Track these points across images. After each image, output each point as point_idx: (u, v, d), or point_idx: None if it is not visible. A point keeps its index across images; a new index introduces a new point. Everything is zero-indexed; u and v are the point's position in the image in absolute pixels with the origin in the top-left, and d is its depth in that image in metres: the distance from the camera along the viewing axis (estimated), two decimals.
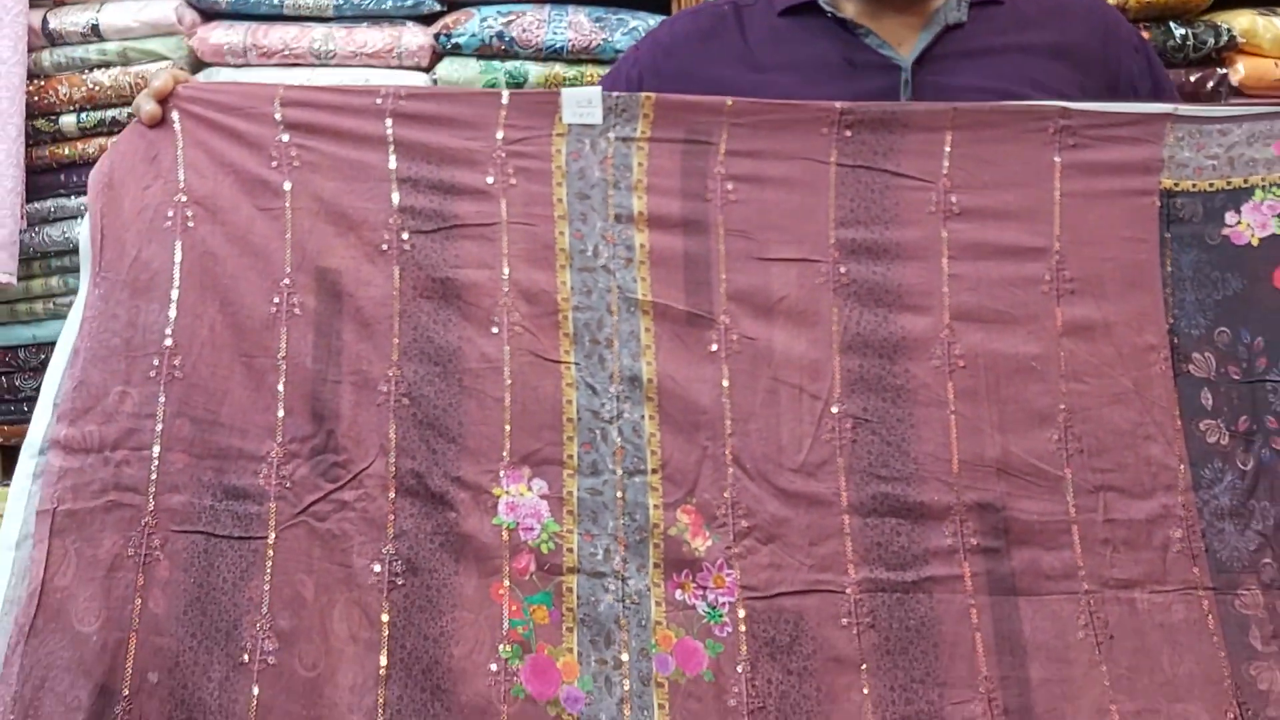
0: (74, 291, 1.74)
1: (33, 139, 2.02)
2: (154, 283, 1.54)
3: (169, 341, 1.52)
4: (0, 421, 2.09)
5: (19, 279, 1.94)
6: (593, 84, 2.09)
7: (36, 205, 2.04)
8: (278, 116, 1.56)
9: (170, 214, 1.54)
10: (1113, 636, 1.43)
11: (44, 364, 1.78)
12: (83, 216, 1.84)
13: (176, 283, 1.54)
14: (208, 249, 1.55)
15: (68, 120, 2.07)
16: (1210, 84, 2.24)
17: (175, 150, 1.56)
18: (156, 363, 1.50)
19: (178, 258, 1.54)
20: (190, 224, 1.54)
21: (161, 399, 1.50)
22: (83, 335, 1.50)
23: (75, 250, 1.89)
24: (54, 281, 2.08)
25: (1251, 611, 1.44)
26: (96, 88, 2.04)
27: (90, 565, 1.43)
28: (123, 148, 1.57)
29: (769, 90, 1.58)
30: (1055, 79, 1.64)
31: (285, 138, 1.55)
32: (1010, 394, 1.51)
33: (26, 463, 1.43)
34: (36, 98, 2.03)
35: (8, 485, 1.44)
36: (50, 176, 2.06)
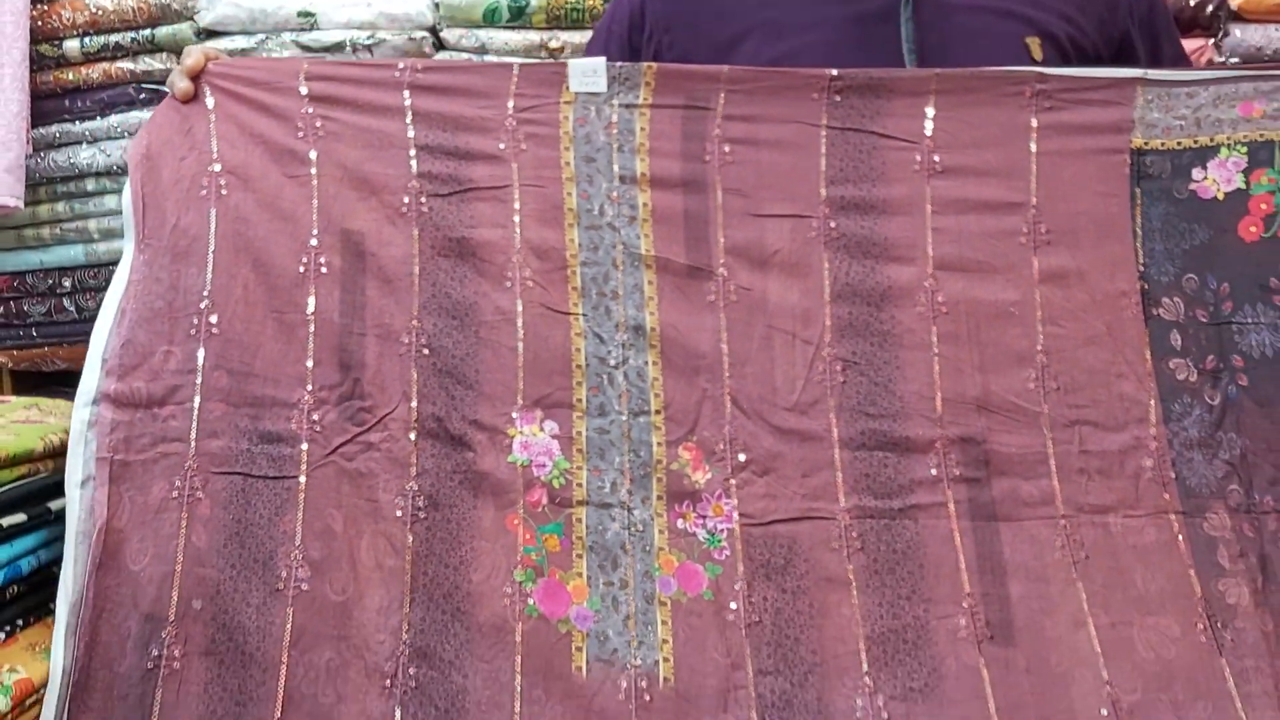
0: (80, 216, 1.94)
1: (37, 64, 2.00)
2: (192, 248, 1.72)
3: (206, 302, 1.70)
4: (10, 346, 2.10)
5: (25, 204, 1.95)
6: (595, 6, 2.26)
7: (41, 131, 2.04)
8: (303, 90, 1.75)
9: (205, 183, 1.72)
10: (1088, 557, 1.58)
11: (52, 289, 1.96)
12: (86, 143, 2.03)
13: (212, 247, 1.72)
14: (240, 215, 1.73)
15: (71, 45, 2.05)
16: (1210, 8, 2.37)
17: (208, 123, 1.75)
18: (196, 322, 1.68)
19: (213, 223, 1.72)
20: (224, 192, 1.72)
21: (201, 354, 1.68)
22: (128, 297, 1.68)
23: (80, 175, 2.03)
24: (60, 207, 2.08)
25: (1219, 533, 1.59)
26: (100, 12, 2.03)
27: (141, 510, 1.60)
28: (159, 121, 1.76)
29: (769, 9, 1.73)
30: None
31: (310, 109, 1.74)
32: (990, 337, 1.68)
33: (81, 411, 1.62)
34: (40, 22, 2.00)
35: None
36: (54, 102, 2.06)
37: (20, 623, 1.43)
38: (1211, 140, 1.72)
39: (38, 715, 1.37)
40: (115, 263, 1.84)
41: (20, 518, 1.42)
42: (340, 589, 1.57)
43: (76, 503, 1.52)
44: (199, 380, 1.65)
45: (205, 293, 1.68)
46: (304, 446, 1.65)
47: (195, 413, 1.64)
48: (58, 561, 1.53)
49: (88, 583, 1.50)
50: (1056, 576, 1.57)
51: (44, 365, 2.02)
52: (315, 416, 1.65)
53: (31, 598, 1.47)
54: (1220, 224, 1.70)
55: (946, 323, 1.67)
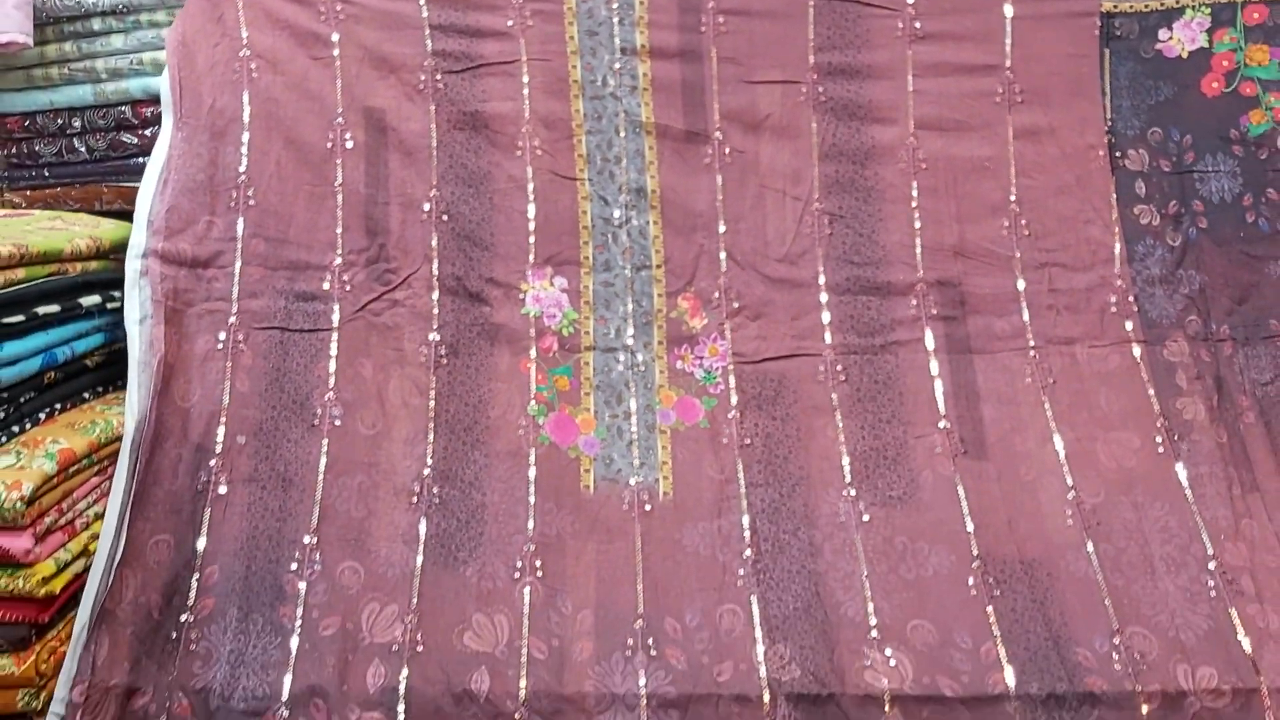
0: (87, 56, 2.09)
1: None
2: (229, 128, 2.00)
3: (243, 177, 1.97)
4: (24, 186, 2.14)
5: (33, 44, 2.00)
6: None
7: None
8: None
9: (237, 67, 2.00)
10: (1055, 382, 1.83)
11: (62, 129, 2.14)
12: None
13: (247, 126, 1.99)
14: (271, 95, 2.00)
15: None
16: None
17: (237, 11, 2.02)
18: (234, 195, 1.96)
19: (246, 105, 2.00)
20: (254, 75, 2.00)
21: (240, 224, 1.95)
22: (169, 168, 1.96)
23: (86, 15, 2.11)
24: (67, 47, 2.08)
25: (1178, 359, 1.84)
26: None
27: (189, 357, 1.87)
28: (191, 10, 2.03)
29: None
30: None
31: None
32: (967, 190, 1.94)
33: (133, 262, 1.88)
34: None
35: None
36: None
37: (59, 406, 1.65)
38: (1177, 2, 1.95)
39: (84, 480, 1.59)
40: (123, 103, 2.10)
41: (54, 308, 1.62)
42: (370, 424, 1.84)
43: (137, 337, 1.80)
44: (239, 247, 1.92)
45: (242, 169, 1.94)
46: (335, 304, 1.92)
47: (236, 276, 1.91)
48: (89, 354, 1.78)
49: (151, 405, 1.77)
50: (1026, 400, 1.81)
51: (57, 206, 2.16)
52: (345, 277, 1.92)
53: (67, 385, 1.69)
54: (1184, 80, 1.94)
55: (926, 178, 1.92)
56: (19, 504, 1.38)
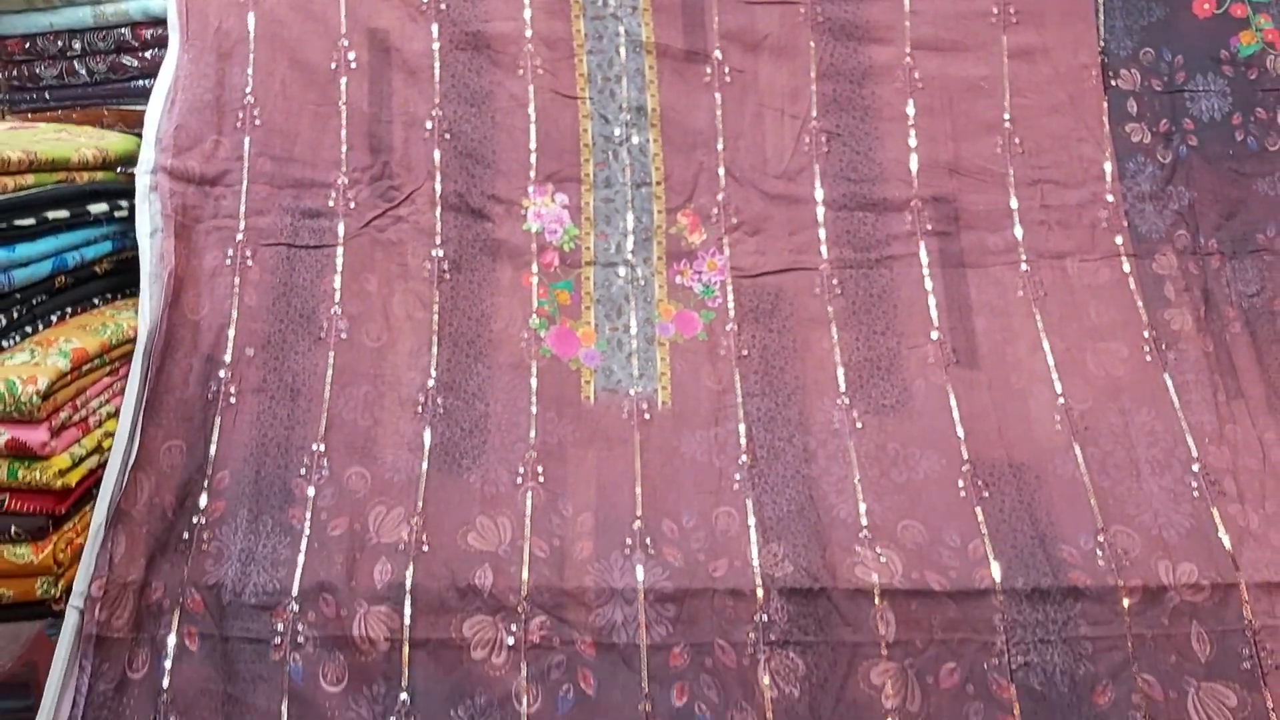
0: None
1: None
2: (235, 50, 2.04)
3: (249, 98, 2.02)
4: (26, 109, 2.17)
5: None
6: None
7: None
8: None
9: None
10: (1046, 294, 1.89)
11: (62, 52, 2.18)
12: None
13: (252, 48, 2.04)
14: (275, 17, 2.05)
15: None
16: None
17: None
18: (241, 115, 2.01)
19: (252, 27, 2.04)
20: None
21: (246, 143, 2.00)
22: (176, 88, 2.01)
23: None
24: None
25: (1166, 272, 1.89)
26: None
27: (197, 272, 1.93)
28: None
29: None
30: None
31: None
32: (962, 109, 1.99)
33: (143, 178, 1.94)
34: None
35: None
36: None
37: (70, 310, 1.70)
38: None
39: (96, 379, 1.63)
40: (122, 25, 2.14)
41: (63, 213, 1.65)
42: (375, 337, 1.89)
43: (148, 250, 1.86)
44: (245, 166, 1.97)
45: (248, 89, 1.99)
46: (340, 220, 1.97)
47: (243, 194, 1.97)
48: (99, 261, 1.83)
49: (162, 316, 1.83)
50: (1017, 312, 1.87)
51: None
52: (350, 195, 1.97)
53: (78, 290, 1.74)
54: (1175, 2, 2.00)
55: (922, 97, 1.97)
56: (34, 398, 1.44)
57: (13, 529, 1.49)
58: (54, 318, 1.69)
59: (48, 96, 2.14)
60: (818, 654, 1.57)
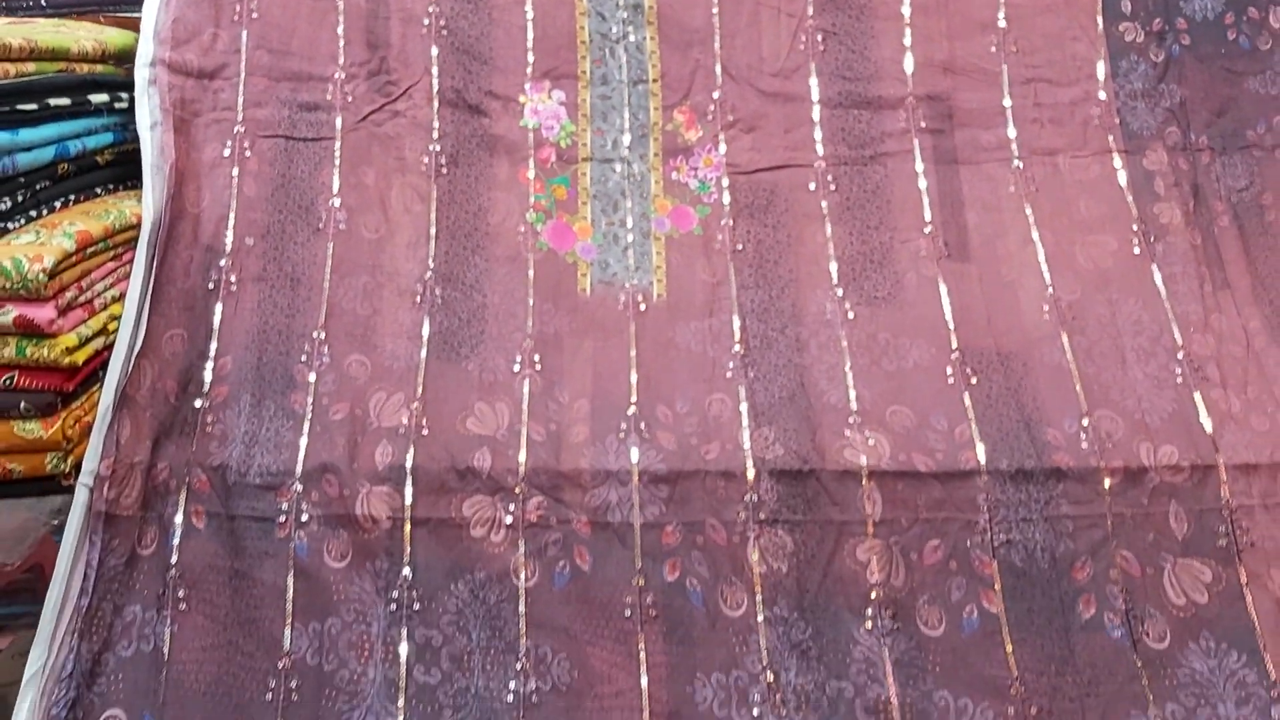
0: None
1: None
2: None
3: None
4: (22, 16, 2.14)
5: None
6: None
7: None
8: None
9: None
10: (1038, 190, 1.93)
11: None
12: None
13: None
14: None
15: None
16: None
17: None
18: (238, 8, 2.04)
19: None
20: None
21: (244, 36, 2.03)
22: None
23: None
24: None
25: (1156, 168, 1.94)
26: None
27: (197, 164, 1.97)
28: None
29: None
30: None
31: None
32: (957, 8, 2.02)
33: (141, 71, 1.97)
34: None
35: None
36: None
37: (73, 197, 1.74)
38: None
39: (100, 263, 1.68)
40: None
41: (64, 101, 1.69)
42: (373, 229, 1.94)
43: (149, 142, 1.90)
44: (243, 59, 2.01)
45: None
46: (338, 114, 2.01)
47: (241, 86, 2.00)
48: (100, 151, 1.85)
49: (164, 207, 1.87)
50: (1008, 207, 1.92)
51: None
52: (347, 89, 2.01)
53: (80, 179, 1.78)
54: None
55: None
56: (41, 275, 1.49)
57: (22, 404, 1.54)
58: (58, 204, 1.74)
59: (44, 3, 2.17)
60: (805, 532, 1.63)
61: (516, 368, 1.78)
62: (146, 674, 1.57)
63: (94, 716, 1.55)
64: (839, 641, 1.56)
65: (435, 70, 2.00)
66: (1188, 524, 1.60)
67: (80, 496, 1.60)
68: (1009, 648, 1.55)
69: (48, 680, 1.52)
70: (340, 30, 2.00)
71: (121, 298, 1.71)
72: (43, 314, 1.52)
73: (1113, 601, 1.56)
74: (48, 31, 1.81)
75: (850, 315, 1.81)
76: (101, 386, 1.66)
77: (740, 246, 1.88)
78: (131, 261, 1.75)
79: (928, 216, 1.89)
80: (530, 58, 2.00)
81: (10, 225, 1.61)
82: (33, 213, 1.66)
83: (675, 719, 1.54)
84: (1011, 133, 1.93)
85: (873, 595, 1.58)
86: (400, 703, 1.55)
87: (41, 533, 1.62)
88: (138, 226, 1.76)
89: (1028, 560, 1.59)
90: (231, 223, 1.89)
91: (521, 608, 1.60)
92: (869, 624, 1.57)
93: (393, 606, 1.59)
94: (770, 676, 1.55)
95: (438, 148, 1.96)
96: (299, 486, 1.65)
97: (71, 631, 1.56)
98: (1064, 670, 1.53)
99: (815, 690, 1.54)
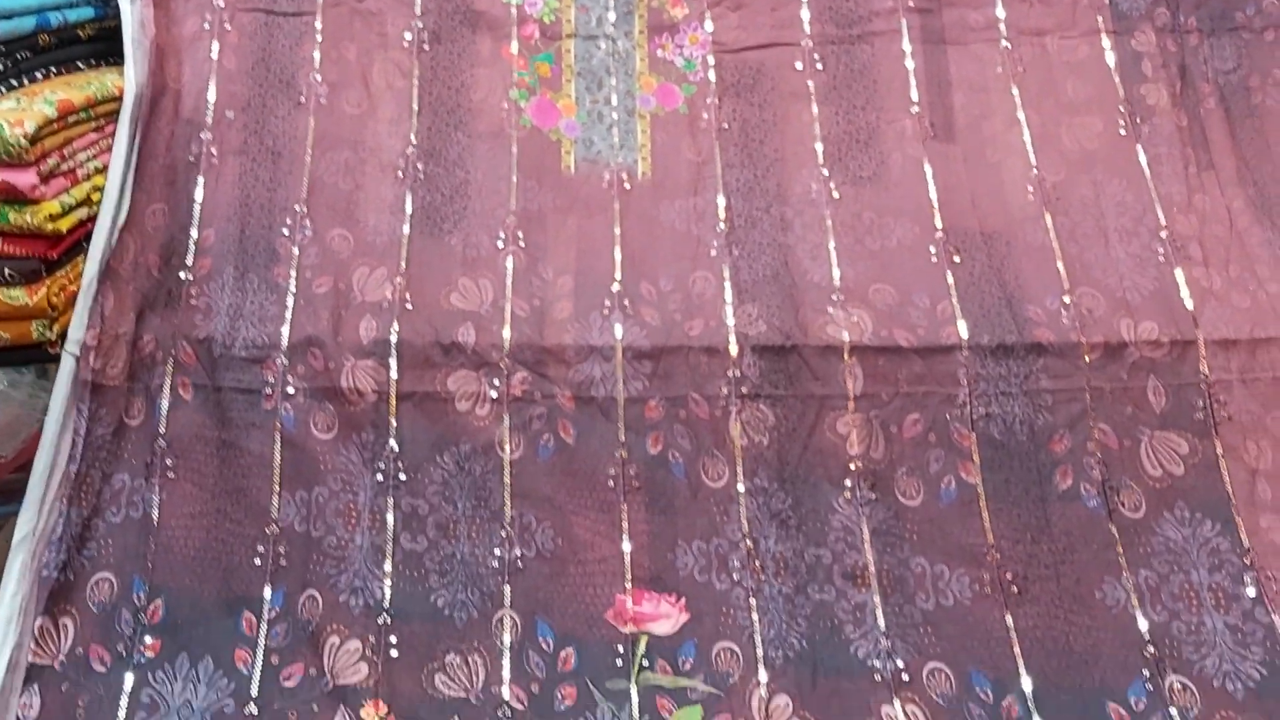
0: None
1: None
2: None
3: None
4: None
5: None
6: None
7: None
8: None
9: None
10: (1025, 71, 1.94)
11: None
12: None
13: None
14: None
15: None
16: None
17: None
18: None
19: None
20: None
21: None
22: None
23: None
24: None
25: (1145, 49, 1.95)
26: None
27: (177, 39, 1.96)
28: None
29: None
30: None
31: None
32: None
33: None
34: None
35: None
36: None
37: (54, 69, 1.73)
38: None
39: (82, 132, 1.68)
40: None
41: None
42: (355, 104, 1.94)
43: (129, 16, 1.89)
44: None
45: None
46: None
47: None
48: (81, 25, 1.89)
49: (146, 81, 1.87)
50: (995, 88, 1.93)
51: None
52: None
53: (61, 51, 1.77)
54: None
55: None
56: (22, 139, 1.50)
57: (6, 271, 1.55)
58: (39, 75, 1.74)
59: None
60: (787, 406, 1.66)
61: (500, 244, 1.80)
62: (136, 539, 1.60)
63: (84, 579, 1.59)
64: (818, 511, 1.61)
65: None
66: (1166, 398, 1.64)
67: (66, 364, 1.62)
68: (986, 517, 1.60)
69: (38, 543, 1.55)
70: None
71: (104, 169, 1.72)
72: (24, 179, 1.53)
73: (1089, 473, 1.60)
74: None
75: (835, 195, 1.83)
76: (86, 257, 1.66)
77: (726, 125, 1.89)
78: (113, 134, 1.75)
79: (914, 97, 1.90)
80: None
81: None
82: (14, 81, 1.66)
83: (657, 583, 1.58)
84: (1000, 13, 1.94)
85: (852, 467, 1.62)
86: (387, 567, 1.59)
87: (34, 429, 1.64)
88: (119, 99, 1.76)
89: (1006, 433, 1.63)
90: (211, 96, 1.90)
91: (506, 479, 1.64)
92: (848, 494, 1.62)
93: (379, 477, 1.62)
94: (750, 544, 1.60)
95: (420, 24, 1.97)
96: (284, 360, 1.68)
97: (60, 497, 1.59)
98: (1040, 538, 1.58)
99: (794, 557, 1.59)
